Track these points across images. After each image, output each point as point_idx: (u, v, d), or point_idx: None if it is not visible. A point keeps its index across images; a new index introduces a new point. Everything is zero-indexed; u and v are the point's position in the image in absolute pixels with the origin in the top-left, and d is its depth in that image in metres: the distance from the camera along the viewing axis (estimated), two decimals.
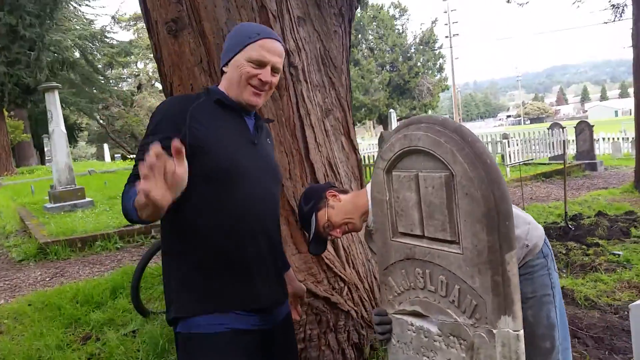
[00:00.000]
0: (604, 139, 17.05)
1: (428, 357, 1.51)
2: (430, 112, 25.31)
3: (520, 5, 11.92)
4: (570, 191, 9.89)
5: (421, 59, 23.56)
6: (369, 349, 3.07)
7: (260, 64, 1.68)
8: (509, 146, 12.22)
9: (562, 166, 12.27)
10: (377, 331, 1.65)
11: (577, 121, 14.98)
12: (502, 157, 12.82)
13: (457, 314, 1.39)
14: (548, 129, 14.37)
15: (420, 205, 1.44)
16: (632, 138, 16.38)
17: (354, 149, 3.37)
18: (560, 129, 14.06)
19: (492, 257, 1.26)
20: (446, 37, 38.36)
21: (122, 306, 4.75)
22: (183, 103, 1.68)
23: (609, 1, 10.67)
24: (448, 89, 30.76)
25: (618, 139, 16.61)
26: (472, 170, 1.27)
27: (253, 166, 1.72)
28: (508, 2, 11.93)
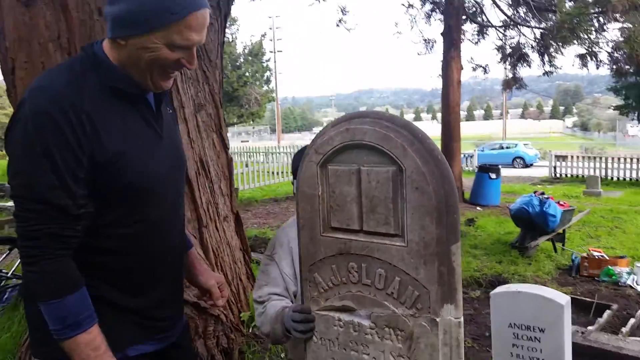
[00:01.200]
0: None
1: (357, 352, 1.51)
2: (257, 120, 25.76)
3: (348, 30, 12.86)
4: None
5: (250, 69, 23.84)
6: (237, 352, 2.96)
7: (185, 48, 1.30)
8: None
9: None
10: (298, 329, 1.59)
11: None
12: None
13: (395, 306, 1.41)
14: None
15: (361, 200, 1.44)
16: None
17: (225, 147, 3.24)
18: None
19: (439, 248, 1.31)
20: (270, 51, 39.60)
21: None
22: (71, 95, 1.23)
23: (422, 36, 12.19)
24: (272, 101, 31.66)
25: None
26: (423, 165, 1.31)
27: (163, 172, 1.44)
28: (337, 25, 12.77)
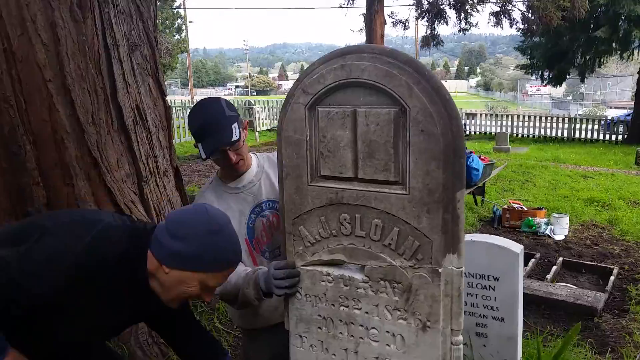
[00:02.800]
0: None
1: (347, 307, 1.43)
2: (169, 72, 24.36)
3: None
4: None
5: (159, 15, 22.33)
6: None
7: (212, 289, 1.40)
8: (258, 113, 12.72)
9: None
10: (282, 286, 1.47)
11: None
12: (251, 122, 13.27)
13: (392, 257, 1.33)
14: None
15: (356, 145, 1.32)
16: None
17: (162, 94, 2.94)
18: None
19: (445, 195, 1.23)
20: None
21: None
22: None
23: None
24: (184, 52, 29.98)
25: None
26: (431, 105, 1.21)
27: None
28: None
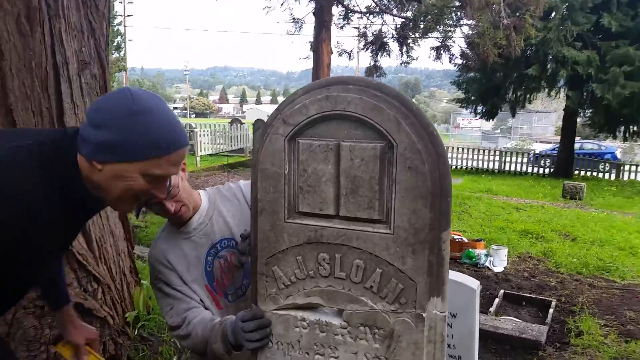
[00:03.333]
0: None
1: (323, 355, 1.33)
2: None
3: None
4: None
5: None
6: (126, 359, 2.57)
7: (160, 180, 1.25)
8: (200, 136, 12.42)
9: (244, 158, 13.28)
10: (253, 339, 1.35)
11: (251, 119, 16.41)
12: (192, 146, 12.93)
13: (374, 301, 1.25)
14: (230, 124, 15.28)
15: (339, 180, 1.24)
16: None
17: None
18: (240, 124, 15.16)
19: (431, 235, 1.18)
20: (120, 15, 36.32)
21: None
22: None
23: (291, 15, 12.07)
24: (123, 70, 29.12)
25: None
26: (419, 141, 1.16)
27: (33, 280, 1.42)
28: None
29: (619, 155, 21.99)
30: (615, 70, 13.10)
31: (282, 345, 1.37)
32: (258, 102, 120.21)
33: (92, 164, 1.19)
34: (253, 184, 1.35)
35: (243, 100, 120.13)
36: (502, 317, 3.96)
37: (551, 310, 4.06)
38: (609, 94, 13.04)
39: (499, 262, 5.47)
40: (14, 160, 1.17)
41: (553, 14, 13.81)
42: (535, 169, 16.95)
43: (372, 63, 13.86)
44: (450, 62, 11.76)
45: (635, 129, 15.59)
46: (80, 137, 1.21)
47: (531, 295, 4.50)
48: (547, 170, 16.59)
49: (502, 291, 4.51)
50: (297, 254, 1.31)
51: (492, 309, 4.08)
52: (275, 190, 1.31)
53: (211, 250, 1.66)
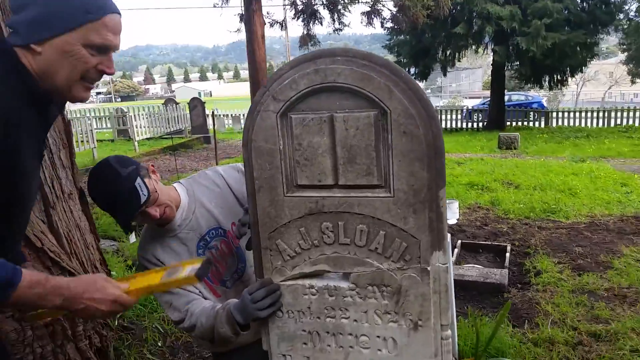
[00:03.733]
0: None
1: (334, 317, 1.39)
2: None
3: None
4: (201, 162, 10.56)
5: None
6: (112, 350, 2.54)
7: (103, 50, 1.24)
8: (135, 120, 11.95)
9: (184, 139, 12.93)
10: (265, 306, 1.38)
11: (189, 98, 15.94)
12: (127, 131, 12.44)
13: (380, 261, 1.32)
14: (164, 104, 14.77)
15: (335, 151, 1.28)
16: (231, 115, 18.70)
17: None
18: (176, 105, 14.69)
19: (430, 194, 1.25)
20: None
21: None
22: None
23: None
24: None
25: (221, 115, 18.65)
26: (411, 106, 1.22)
27: (27, 197, 1.36)
28: None
29: (545, 104, 23.24)
30: (536, 22, 13.73)
31: (293, 313, 1.41)
32: (187, 80, 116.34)
33: (31, 48, 1.18)
34: (247, 163, 1.36)
35: (170, 79, 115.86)
36: (464, 265, 4.19)
37: (507, 254, 4.34)
38: (533, 46, 13.69)
39: (451, 214, 5.69)
40: None
41: None
42: (470, 124, 17.63)
43: (305, 32, 13.75)
44: (382, 26, 11.87)
45: (558, 77, 16.50)
46: (12, 31, 1.20)
47: (487, 243, 4.78)
48: (480, 124, 17.31)
49: (459, 241, 4.76)
50: (299, 225, 1.35)
51: (452, 259, 4.31)
52: (271, 167, 1.33)
53: (201, 243, 1.66)
